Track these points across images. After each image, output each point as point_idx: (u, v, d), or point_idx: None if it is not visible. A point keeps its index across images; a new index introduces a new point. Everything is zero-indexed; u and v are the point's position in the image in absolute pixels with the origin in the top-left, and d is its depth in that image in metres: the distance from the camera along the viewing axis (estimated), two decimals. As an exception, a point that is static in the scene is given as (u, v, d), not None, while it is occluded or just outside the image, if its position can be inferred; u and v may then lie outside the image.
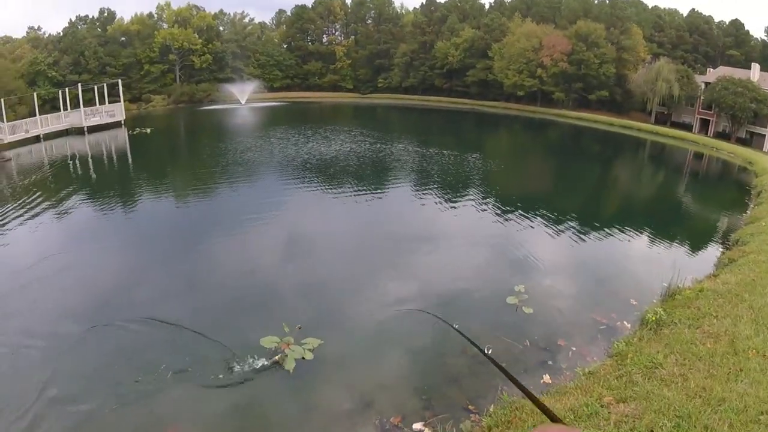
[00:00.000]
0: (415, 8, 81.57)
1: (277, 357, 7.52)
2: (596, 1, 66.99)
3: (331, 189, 19.28)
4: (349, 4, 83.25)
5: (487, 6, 75.70)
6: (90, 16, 70.32)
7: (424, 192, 19.13)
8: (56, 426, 6.12)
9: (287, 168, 22.93)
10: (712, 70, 56.54)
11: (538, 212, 16.81)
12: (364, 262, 12.03)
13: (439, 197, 18.36)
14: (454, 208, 17.26)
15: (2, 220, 15.08)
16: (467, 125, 49.20)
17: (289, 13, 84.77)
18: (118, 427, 6.21)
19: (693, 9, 70.72)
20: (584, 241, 14.19)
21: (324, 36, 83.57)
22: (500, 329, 8.53)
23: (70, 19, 69.49)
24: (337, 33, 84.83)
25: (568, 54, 58.13)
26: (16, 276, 10.64)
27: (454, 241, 13.38)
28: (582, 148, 41.45)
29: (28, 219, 15.23)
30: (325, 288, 10.40)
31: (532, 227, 15.24)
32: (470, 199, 18.34)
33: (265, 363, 7.44)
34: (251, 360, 7.49)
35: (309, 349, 7.74)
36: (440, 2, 77.05)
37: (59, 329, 8.41)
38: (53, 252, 12.07)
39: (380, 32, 79.25)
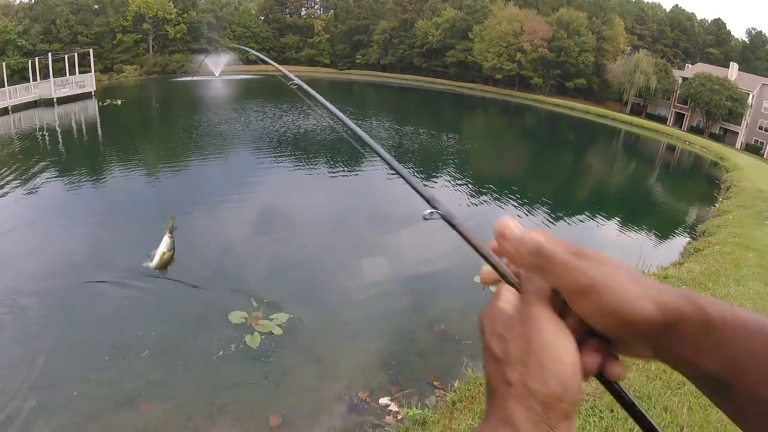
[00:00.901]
0: None
1: (244, 333, 7.59)
2: (580, -10, 67.51)
3: (306, 164, 19.25)
4: None
5: None
6: None
7: (393, 170, 19.27)
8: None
9: (262, 142, 22.79)
10: (690, 66, 57.66)
11: (510, 195, 17.08)
12: (337, 239, 12.12)
13: (414, 175, 18.52)
14: (429, 187, 17.41)
15: None
16: (444, 106, 49.28)
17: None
18: (90, 397, 6.24)
19: (676, 5, 72.24)
20: (554, 225, 14.52)
21: (303, 9, 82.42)
22: (467, 307, 8.73)
23: None
24: (316, 6, 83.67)
25: (549, 40, 58.52)
26: None
27: (422, 223, 13.52)
28: (557, 134, 42.01)
29: None
30: (297, 264, 10.47)
31: (503, 209, 15.50)
32: (445, 179, 18.53)
33: (232, 338, 7.49)
34: (216, 334, 7.54)
35: (278, 324, 7.82)
36: None
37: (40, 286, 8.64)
38: (22, 222, 11.92)
39: (360, 8, 78.27)
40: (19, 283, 9.08)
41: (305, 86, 0.58)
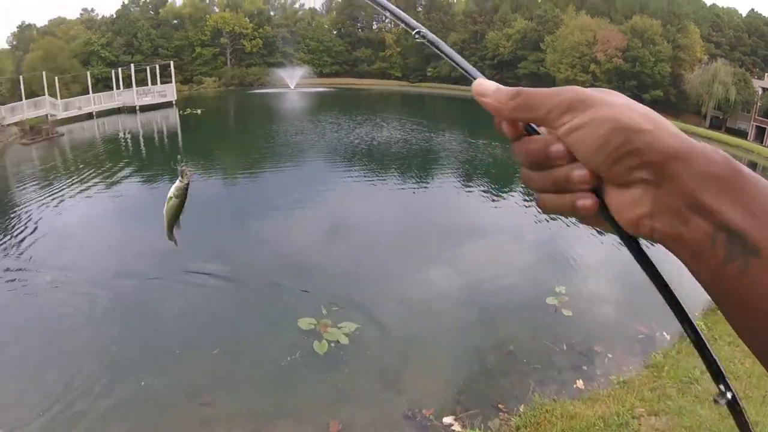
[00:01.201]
0: None
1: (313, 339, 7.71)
2: (653, -3, 64.51)
3: (377, 176, 19.37)
4: None
5: None
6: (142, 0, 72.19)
7: (470, 183, 19.03)
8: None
9: (335, 153, 23.14)
10: (770, 75, 54.11)
11: None
12: (407, 251, 12.10)
13: (484, 189, 18.26)
14: (499, 201, 17.11)
15: (55, 191, 15.84)
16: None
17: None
18: (157, 388, 6.51)
19: (752, 9, 67.60)
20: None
21: (374, 23, 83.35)
22: (537, 329, 8.50)
23: (123, 2, 71.36)
24: (387, 20, 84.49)
25: (623, 50, 56.20)
26: (67, 239, 11.29)
27: (497, 236, 13.30)
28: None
29: (79, 191, 15.92)
30: (366, 274, 10.55)
31: (577, 226, 15.03)
32: (516, 194, 18.19)
33: (300, 344, 7.63)
34: (285, 337, 7.70)
35: (345, 333, 7.89)
36: None
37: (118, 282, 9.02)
38: (101, 220, 12.70)
39: (431, 20, 78.22)
40: (97, 276, 9.61)
41: (430, 35, 0.58)
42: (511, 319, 9.00)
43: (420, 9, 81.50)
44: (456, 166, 21.98)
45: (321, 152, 23.41)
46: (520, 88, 0.54)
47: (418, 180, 19.14)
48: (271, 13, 78.09)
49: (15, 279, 9.70)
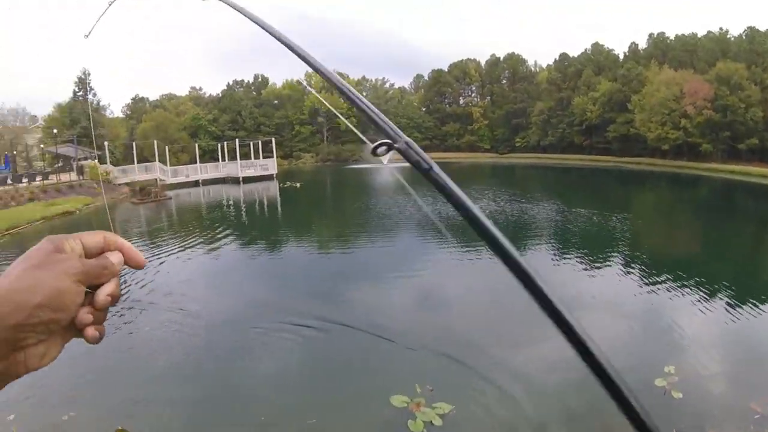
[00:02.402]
0: (548, 65, 78.79)
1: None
2: (732, 38, 60.01)
3: (470, 248, 18.57)
4: (483, 65, 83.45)
5: (621, 56, 70.09)
6: (246, 81, 78.26)
7: (563, 254, 17.68)
8: None
9: (427, 225, 22.66)
10: None
11: (690, 280, 14.63)
12: (500, 327, 11.08)
13: (578, 260, 16.82)
14: (596, 272, 15.62)
15: (161, 246, 16.65)
16: (609, 184, 46.09)
17: (426, 78, 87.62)
18: None
19: None
20: (743, 315, 12.03)
21: (460, 98, 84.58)
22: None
23: (228, 83, 77.71)
24: (473, 94, 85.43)
25: (712, 100, 52.13)
26: (174, 293, 11.56)
27: (594, 310, 11.94)
28: (734, 205, 36.87)
29: (182, 249, 16.40)
30: (461, 351, 9.63)
31: (683, 297, 13.23)
32: (613, 264, 16.56)
33: (394, 422, 6.90)
34: (378, 414, 7.01)
35: (439, 414, 7.06)
36: (573, 56, 73.50)
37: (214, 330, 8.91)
38: (202, 275, 12.92)
39: (515, 91, 78.05)
40: (195, 324, 9.52)
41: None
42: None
43: (504, 81, 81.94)
44: (550, 237, 20.67)
45: (413, 225, 23.02)
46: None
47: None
48: (364, 94, 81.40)
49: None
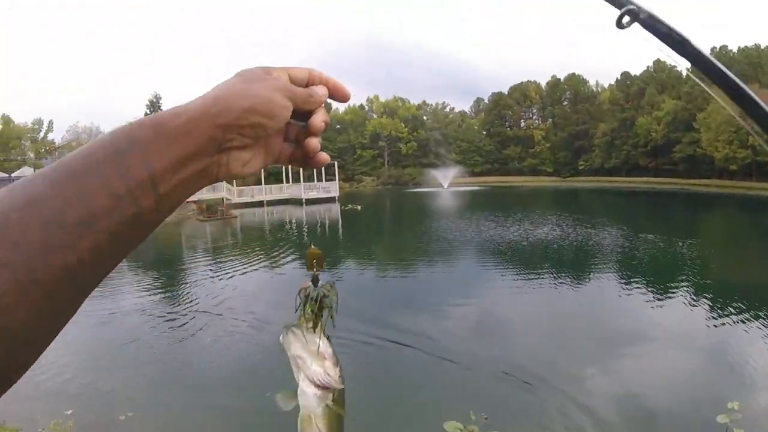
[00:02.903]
0: (610, 84, 75.61)
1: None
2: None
3: (530, 275, 17.73)
4: (543, 86, 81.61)
5: (684, 73, 67.26)
6: None
7: (629, 281, 16.57)
8: None
9: (487, 250, 21.95)
10: None
11: (761, 311, 13.32)
12: (558, 355, 10.46)
13: (644, 288, 15.65)
14: (662, 301, 14.45)
15: (227, 262, 17.14)
16: (676, 207, 43.54)
17: (486, 101, 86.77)
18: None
19: None
20: None
21: (521, 120, 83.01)
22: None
23: None
24: (534, 117, 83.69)
25: None
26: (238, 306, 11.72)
27: (659, 341, 11.04)
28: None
29: (244, 265, 16.79)
30: (516, 379, 9.14)
31: (754, 330, 12.02)
32: (680, 293, 15.31)
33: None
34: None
35: (493, 444, 6.63)
36: (635, 75, 70.15)
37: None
38: (264, 294, 13.09)
39: (577, 113, 75.31)
40: (255, 336, 9.49)
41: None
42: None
43: (566, 102, 79.90)
44: (616, 264, 19.31)
45: (473, 249, 22.38)
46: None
47: (574, 279, 16.99)
48: (425, 118, 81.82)
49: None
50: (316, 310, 0.69)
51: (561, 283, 15.98)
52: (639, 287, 15.57)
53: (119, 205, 0.40)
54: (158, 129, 0.46)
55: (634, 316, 12.85)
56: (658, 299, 14.40)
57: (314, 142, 0.60)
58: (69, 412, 6.44)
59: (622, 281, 16.39)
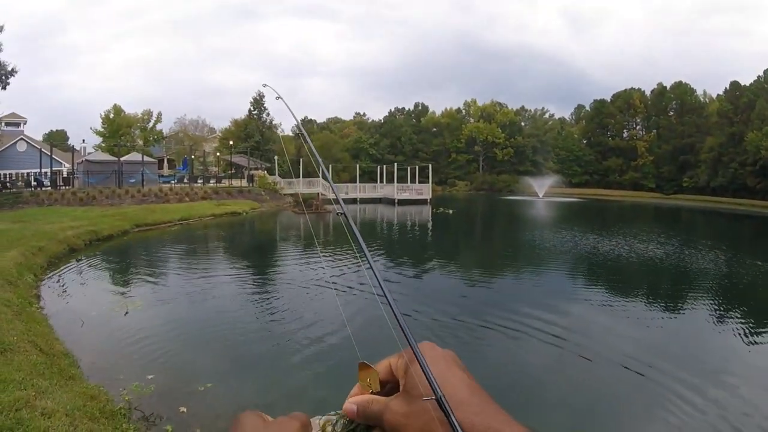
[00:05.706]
0: (719, 94, 66.60)
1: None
2: None
3: (622, 294, 16.00)
4: (648, 95, 74.90)
5: None
6: (406, 108, 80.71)
7: (729, 313, 14.38)
8: None
9: (578, 266, 20.32)
10: None
11: None
12: (649, 385, 9.24)
13: (742, 322, 13.48)
14: (760, 338, 12.29)
15: (319, 253, 17.57)
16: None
17: (587, 108, 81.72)
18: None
19: None
20: None
21: (624, 130, 76.91)
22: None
23: (390, 110, 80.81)
24: (637, 127, 77.39)
25: None
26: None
27: (755, 381, 9.33)
28: None
29: (332, 256, 17.09)
30: (594, 403, 8.22)
31: None
32: None
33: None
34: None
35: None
36: (745, 85, 61.24)
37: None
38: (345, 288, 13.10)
39: (684, 124, 67.46)
40: (299, 338, 9.38)
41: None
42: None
43: (671, 113, 73.14)
44: (717, 293, 16.81)
45: (565, 263, 20.78)
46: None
47: (669, 302, 15.06)
48: (522, 124, 79.12)
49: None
50: None
51: (654, 305, 14.22)
52: (735, 319, 13.35)
53: None
54: None
55: (729, 351, 10.99)
56: (756, 334, 12.24)
57: None
58: (150, 377, 6.57)
59: (723, 312, 14.14)
